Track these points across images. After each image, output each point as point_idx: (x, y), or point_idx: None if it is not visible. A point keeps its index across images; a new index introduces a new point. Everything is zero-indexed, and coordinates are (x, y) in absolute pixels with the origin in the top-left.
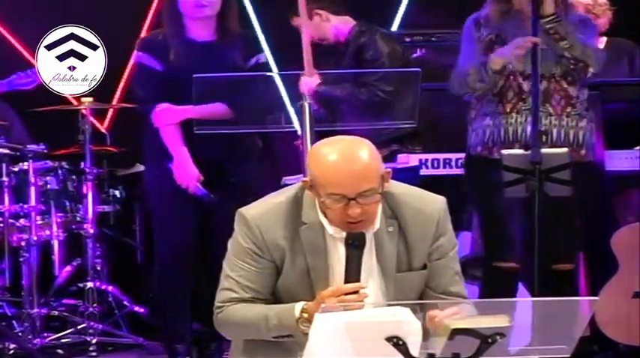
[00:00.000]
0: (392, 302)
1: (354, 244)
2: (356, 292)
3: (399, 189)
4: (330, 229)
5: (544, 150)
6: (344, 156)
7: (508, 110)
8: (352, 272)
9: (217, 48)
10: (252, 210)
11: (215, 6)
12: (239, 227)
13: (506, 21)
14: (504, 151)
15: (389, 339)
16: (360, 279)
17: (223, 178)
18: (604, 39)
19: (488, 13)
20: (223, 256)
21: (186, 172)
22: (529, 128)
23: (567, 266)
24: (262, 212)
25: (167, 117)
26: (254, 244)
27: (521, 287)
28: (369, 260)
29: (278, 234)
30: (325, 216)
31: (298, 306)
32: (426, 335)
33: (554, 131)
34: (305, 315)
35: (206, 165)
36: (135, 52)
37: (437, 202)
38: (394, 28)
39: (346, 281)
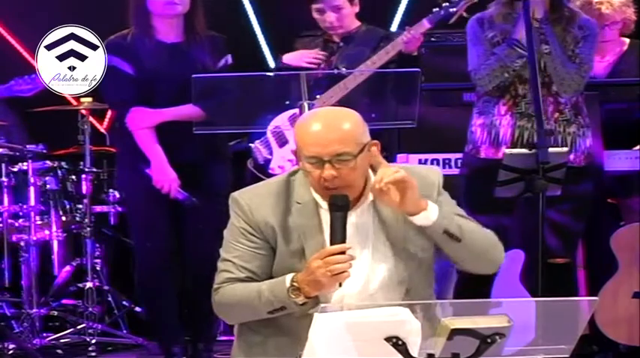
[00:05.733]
0: (396, 303)
1: (337, 204)
2: (342, 253)
3: (396, 164)
4: (323, 204)
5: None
6: (323, 120)
7: (503, 112)
8: (337, 234)
9: (186, 49)
10: (243, 193)
11: (186, 4)
12: (232, 209)
13: (508, 23)
14: (507, 150)
15: (389, 339)
16: (346, 241)
17: (198, 180)
18: (627, 40)
19: (492, 14)
20: (203, 255)
21: (166, 176)
22: (519, 131)
23: (563, 259)
24: (253, 193)
25: (141, 120)
26: (246, 223)
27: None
28: (367, 230)
29: (268, 213)
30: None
31: (289, 277)
32: (426, 335)
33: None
34: (295, 284)
35: (180, 168)
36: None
37: (435, 170)
38: (394, 28)
39: (332, 244)
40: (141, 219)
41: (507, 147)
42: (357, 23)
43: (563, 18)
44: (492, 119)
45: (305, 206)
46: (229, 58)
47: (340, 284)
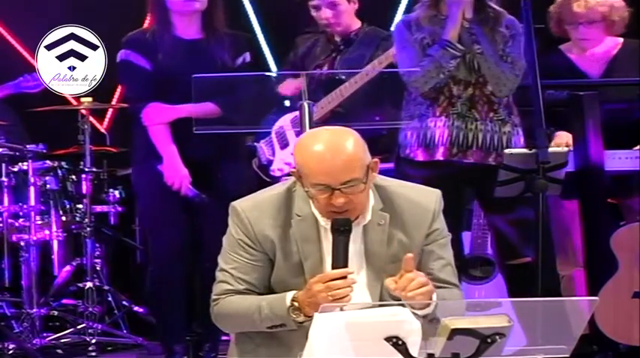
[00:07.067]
0: (386, 303)
1: (340, 230)
2: (343, 277)
3: (394, 182)
4: (322, 221)
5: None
6: (327, 147)
7: (437, 113)
8: (339, 258)
9: (205, 46)
10: (243, 203)
11: (204, 1)
12: (231, 219)
13: (434, 25)
14: (507, 150)
15: (389, 339)
16: (348, 265)
17: (211, 178)
18: (620, 40)
19: (418, 16)
20: (215, 255)
21: (177, 173)
22: (455, 132)
23: (525, 259)
24: (253, 204)
25: (157, 116)
26: (245, 235)
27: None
28: (358, 253)
29: (267, 226)
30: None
31: (289, 295)
32: (426, 335)
33: (480, 135)
34: (295, 304)
35: (193, 166)
36: (122, 50)
37: (433, 193)
38: (394, 27)
39: (333, 268)
40: (155, 215)
41: (445, 149)
42: (358, 24)
43: (489, 18)
44: (427, 122)
45: (304, 219)
46: (247, 56)
47: (342, 309)
